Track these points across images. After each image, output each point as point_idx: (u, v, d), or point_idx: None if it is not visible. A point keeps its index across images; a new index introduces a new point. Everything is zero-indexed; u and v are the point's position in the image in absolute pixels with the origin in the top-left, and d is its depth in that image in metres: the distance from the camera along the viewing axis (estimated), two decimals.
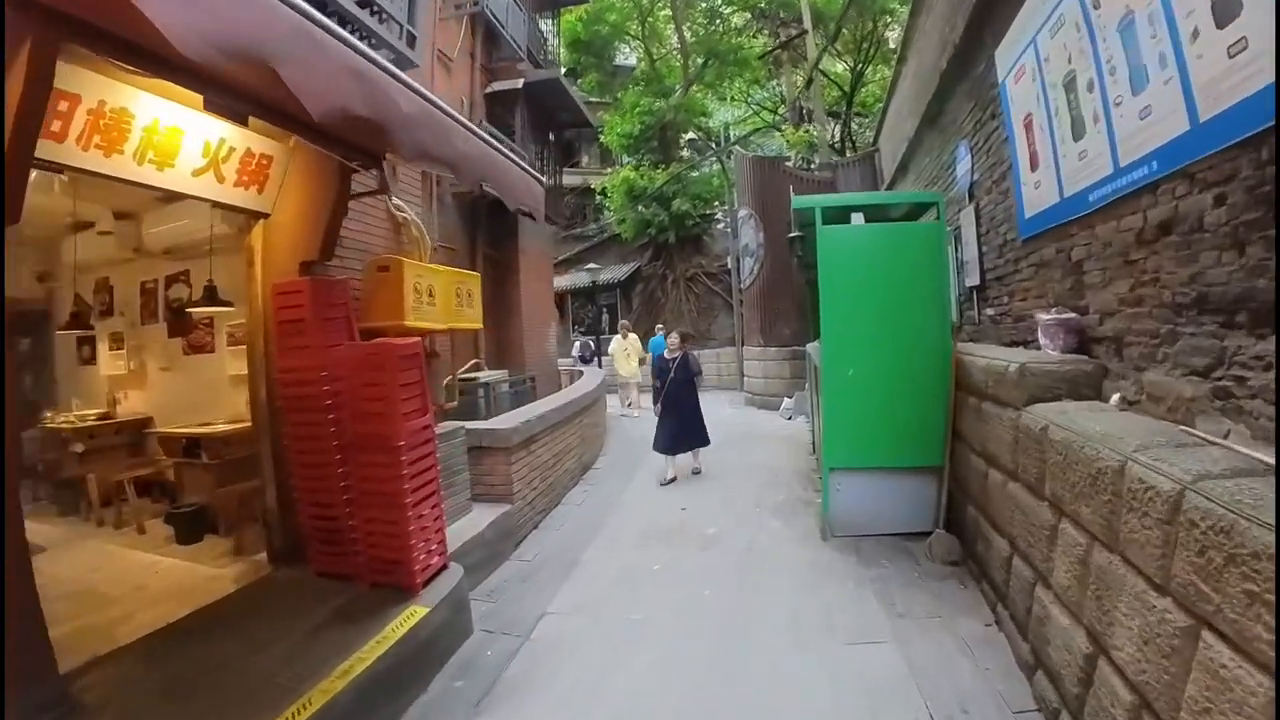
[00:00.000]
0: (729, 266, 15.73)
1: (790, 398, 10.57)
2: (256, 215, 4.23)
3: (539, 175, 3.88)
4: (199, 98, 2.81)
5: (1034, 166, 3.80)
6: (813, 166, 12.83)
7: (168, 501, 5.44)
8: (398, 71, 2.35)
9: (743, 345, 15.34)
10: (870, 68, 19.91)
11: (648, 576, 4.26)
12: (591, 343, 16.33)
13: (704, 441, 6.97)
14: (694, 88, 19.78)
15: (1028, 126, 3.86)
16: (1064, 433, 2.45)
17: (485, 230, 10.28)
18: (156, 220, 5.65)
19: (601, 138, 20.21)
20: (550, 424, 5.60)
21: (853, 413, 4.40)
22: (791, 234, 5.45)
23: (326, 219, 4.09)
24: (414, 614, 3.38)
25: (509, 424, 4.89)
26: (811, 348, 8.54)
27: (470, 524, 4.58)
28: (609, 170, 18.91)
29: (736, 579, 4.12)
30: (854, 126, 20.07)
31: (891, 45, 18.11)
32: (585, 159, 28.17)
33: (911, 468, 4.39)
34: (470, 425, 4.92)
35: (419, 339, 3.62)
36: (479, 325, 5.04)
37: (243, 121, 3.46)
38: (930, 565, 4.10)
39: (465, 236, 9.82)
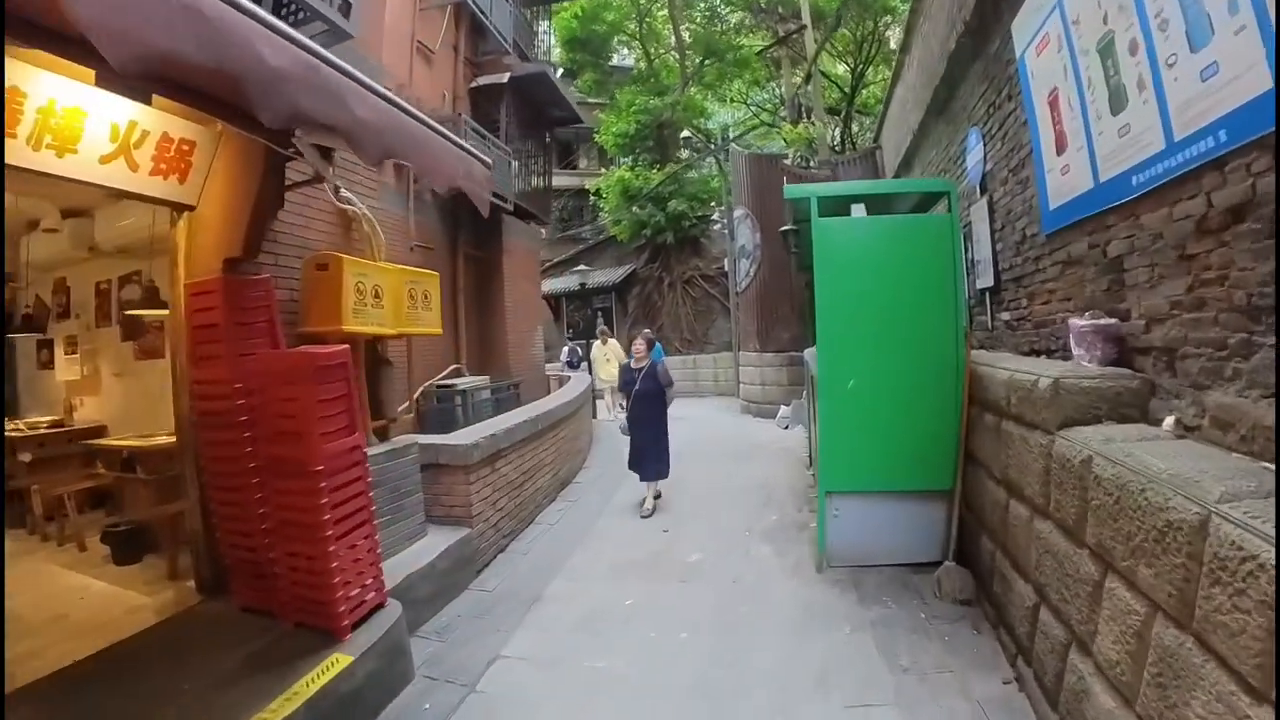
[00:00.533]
0: (726, 269, 15.22)
1: (787, 406, 10.06)
2: (180, 208, 3.76)
3: (483, 156, 3.38)
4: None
5: (1060, 149, 3.30)
6: (812, 165, 12.35)
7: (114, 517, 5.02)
8: (271, 18, 1.86)
9: (739, 351, 14.85)
10: (871, 69, 19.46)
11: (618, 614, 3.76)
12: (579, 348, 15.84)
13: (661, 472, 5.95)
14: (693, 88, 19.35)
15: (1053, 104, 3.36)
16: (1115, 468, 1.94)
17: (468, 229, 9.80)
18: (109, 217, 5.23)
19: (597, 137, 19.77)
20: (519, 438, 5.10)
21: (853, 430, 3.89)
22: (785, 227, 4.90)
23: (251, 210, 3.61)
24: (335, 663, 2.89)
25: (468, 439, 4.38)
26: (809, 354, 8.05)
27: (422, 551, 4.09)
28: (605, 172, 18.44)
29: (718, 620, 3.62)
30: (855, 128, 19.60)
31: (893, 45, 17.69)
32: (585, 162, 27.80)
33: (918, 491, 3.89)
34: (426, 440, 4.42)
35: (345, 346, 3.13)
36: (437, 330, 4.56)
37: (146, 99, 3.00)
38: (939, 604, 3.59)
39: (445, 235, 9.34)
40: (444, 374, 8.89)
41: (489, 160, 3.48)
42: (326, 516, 2.98)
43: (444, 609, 4.02)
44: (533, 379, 11.38)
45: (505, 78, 10.25)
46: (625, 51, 23.27)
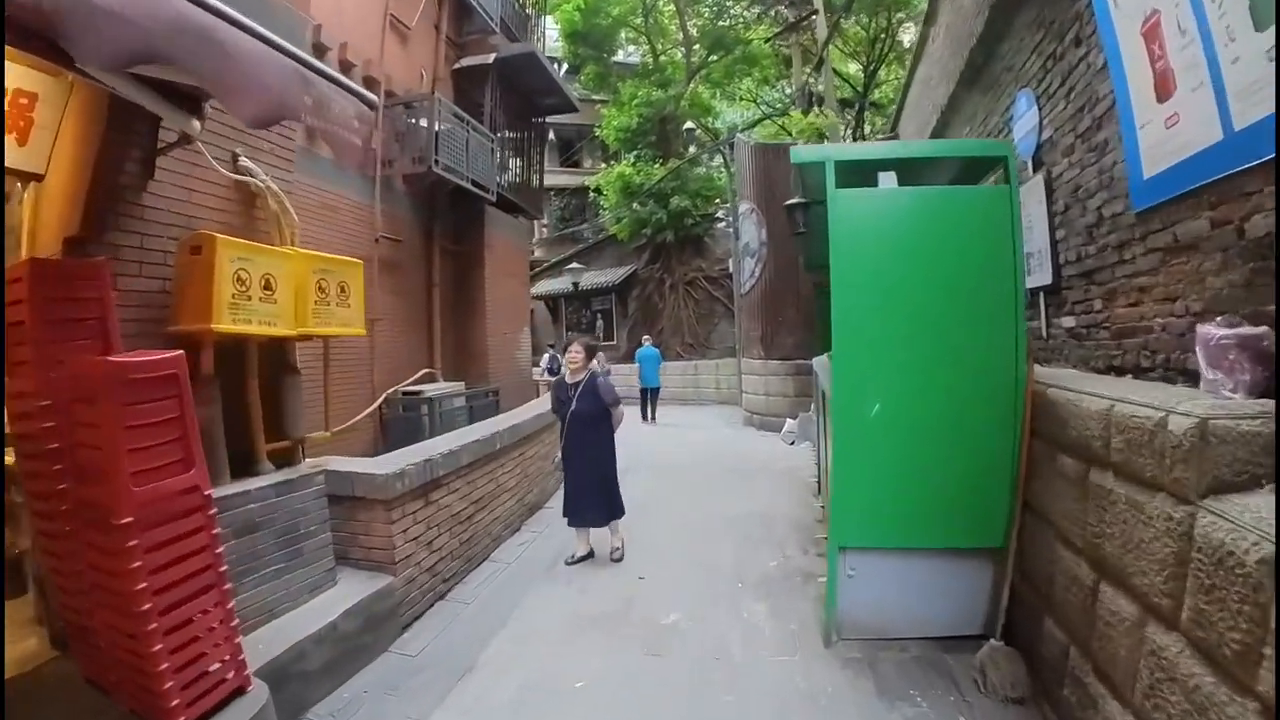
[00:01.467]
0: (730, 270, 14.36)
1: (793, 419, 9.16)
2: (24, 177, 2.97)
3: (364, 92, 2.53)
4: None
5: (1163, 94, 2.42)
6: None
7: None
8: None
9: (742, 357, 13.97)
10: (884, 69, 18.57)
11: (561, 701, 2.89)
12: (560, 355, 14.96)
13: (615, 511, 4.67)
14: (700, 86, 18.49)
15: (1150, 34, 2.49)
16: None
17: (445, 221, 8.99)
18: None
19: (598, 131, 18.99)
20: (465, 462, 4.23)
21: (875, 469, 3.01)
22: (792, 200, 3.95)
23: (91, 177, 2.81)
24: None
25: (389, 467, 3.53)
26: (819, 363, 7.17)
27: (326, 606, 3.25)
28: (604, 168, 17.63)
29: (690, 716, 2.74)
30: (868, 129, 18.70)
31: (906, 44, 16.80)
32: (589, 161, 27.03)
33: (957, 549, 3.00)
34: (339, 467, 3.58)
35: (177, 353, 2.29)
36: (357, 330, 3.72)
37: None
38: (983, 701, 2.70)
39: (418, 227, 8.53)
40: (413, 379, 8.08)
41: (374, 99, 2.64)
42: (142, 585, 2.14)
43: (350, 680, 3.18)
44: (516, 385, 10.54)
45: (490, 59, 9.45)
46: (631, 49, 22.48)
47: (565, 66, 28.95)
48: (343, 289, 3.57)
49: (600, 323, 19.19)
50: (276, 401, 3.51)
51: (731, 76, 19.04)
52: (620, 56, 22.05)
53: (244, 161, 3.54)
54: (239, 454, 3.30)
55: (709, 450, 8.67)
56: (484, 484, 4.58)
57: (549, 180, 28.64)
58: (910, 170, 3.27)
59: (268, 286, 3.14)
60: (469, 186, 8.30)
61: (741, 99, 21.18)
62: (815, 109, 12.39)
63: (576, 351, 4.34)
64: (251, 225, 3.61)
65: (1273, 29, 1.85)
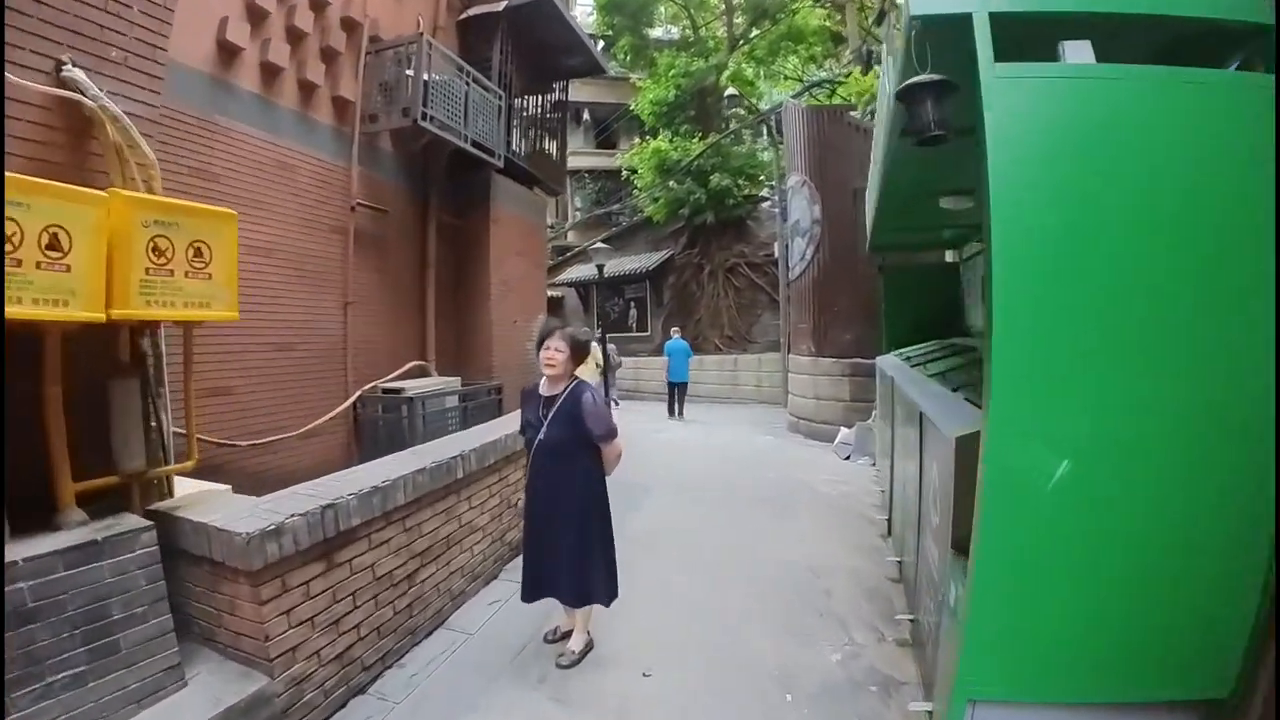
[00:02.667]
0: (776, 255, 12.90)
1: (849, 429, 7.75)
2: None
3: None
4: None
5: None
6: None
7: None
8: None
9: (788, 353, 12.52)
10: None
11: None
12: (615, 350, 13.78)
13: (596, 590, 3.01)
14: (743, 62, 16.81)
15: None
16: None
17: (443, 190, 7.83)
18: None
19: (632, 106, 17.66)
20: (402, 501, 3.02)
21: (1048, 574, 1.66)
22: (920, 79, 2.22)
23: None
24: None
25: (258, 521, 2.35)
26: (889, 366, 5.77)
27: None
28: (639, 143, 16.27)
29: None
30: None
31: None
32: (625, 143, 25.72)
33: (1155, 703, 1.65)
34: (194, 514, 2.43)
35: None
36: (229, 314, 2.55)
37: None
38: None
39: (410, 195, 7.40)
40: (399, 373, 6.99)
41: None
42: None
43: None
44: (528, 379, 9.40)
45: (500, 6, 8.22)
46: (670, 28, 20.92)
47: (601, 44, 27.84)
48: (198, 252, 2.39)
49: (633, 311, 17.94)
50: (95, 418, 2.37)
51: (776, 54, 17.38)
52: (658, 33, 20.59)
53: (71, 72, 2.39)
54: (26, 500, 2.17)
55: (746, 463, 7.33)
56: (437, 527, 3.38)
57: (581, 162, 27.66)
58: (1130, 27, 1.85)
59: (54, 246, 1.98)
60: (468, 148, 7.11)
61: (787, 79, 19.43)
62: (876, 69, 10.77)
63: (555, 349, 2.75)
64: (80, 164, 2.47)
65: None
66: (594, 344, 12.48)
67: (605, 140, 25.76)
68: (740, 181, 14.63)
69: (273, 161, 5.66)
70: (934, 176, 3.77)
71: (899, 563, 3.83)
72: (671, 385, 11.79)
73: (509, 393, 8.42)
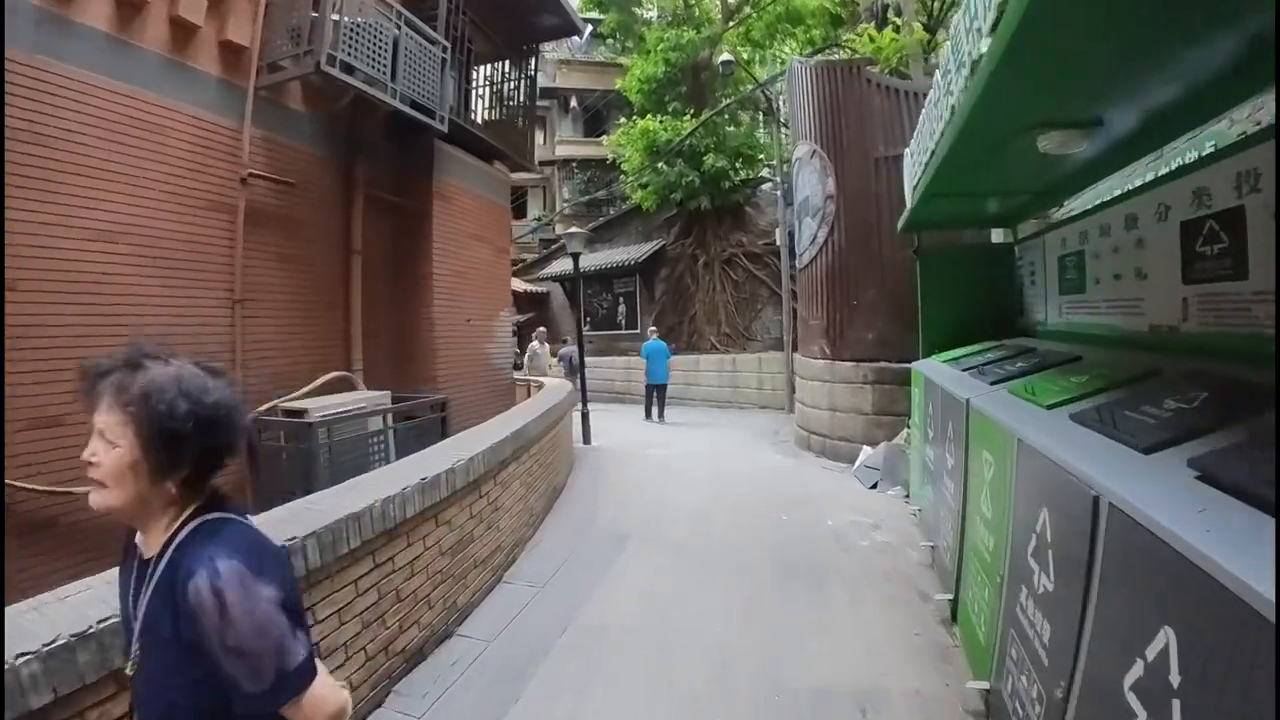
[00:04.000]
0: (778, 242, 11.51)
1: (874, 447, 6.38)
2: None
3: None
4: None
5: None
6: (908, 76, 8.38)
7: None
8: None
9: (794, 353, 11.15)
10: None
11: None
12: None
13: None
14: (737, 45, 15.21)
15: None
16: None
17: (375, 159, 6.40)
18: None
19: (618, 84, 16.24)
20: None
21: None
22: None
23: None
24: None
25: None
26: (936, 371, 4.43)
27: None
28: (626, 121, 14.81)
29: None
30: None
31: None
32: (616, 131, 24.31)
33: None
34: None
35: None
36: None
37: None
38: None
39: (329, 165, 5.96)
40: (309, 388, 5.61)
41: None
42: None
43: None
44: (488, 390, 8.01)
45: None
46: (661, 10, 19.44)
47: (590, 28, 26.36)
48: None
49: (622, 308, 16.55)
50: None
51: (773, 37, 15.89)
52: (649, 13, 19.10)
53: None
54: None
55: (749, 496, 5.96)
56: None
57: (570, 151, 26.24)
58: None
59: None
60: (400, 106, 5.70)
61: (784, 64, 17.92)
62: (891, 26, 9.38)
63: (99, 429, 0.96)
64: None
65: None
66: (535, 344, 11.14)
67: (598, 130, 24.38)
68: (737, 164, 13.24)
69: (129, 119, 4.28)
70: (1049, 103, 2.44)
71: (985, 692, 2.46)
72: (650, 388, 11.23)
73: (460, 408, 7.03)
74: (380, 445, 5.53)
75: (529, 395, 7.95)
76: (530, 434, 4.91)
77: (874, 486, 5.98)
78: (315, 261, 5.84)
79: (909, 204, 4.57)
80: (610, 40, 21.09)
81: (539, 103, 28.21)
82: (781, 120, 11.49)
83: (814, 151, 7.30)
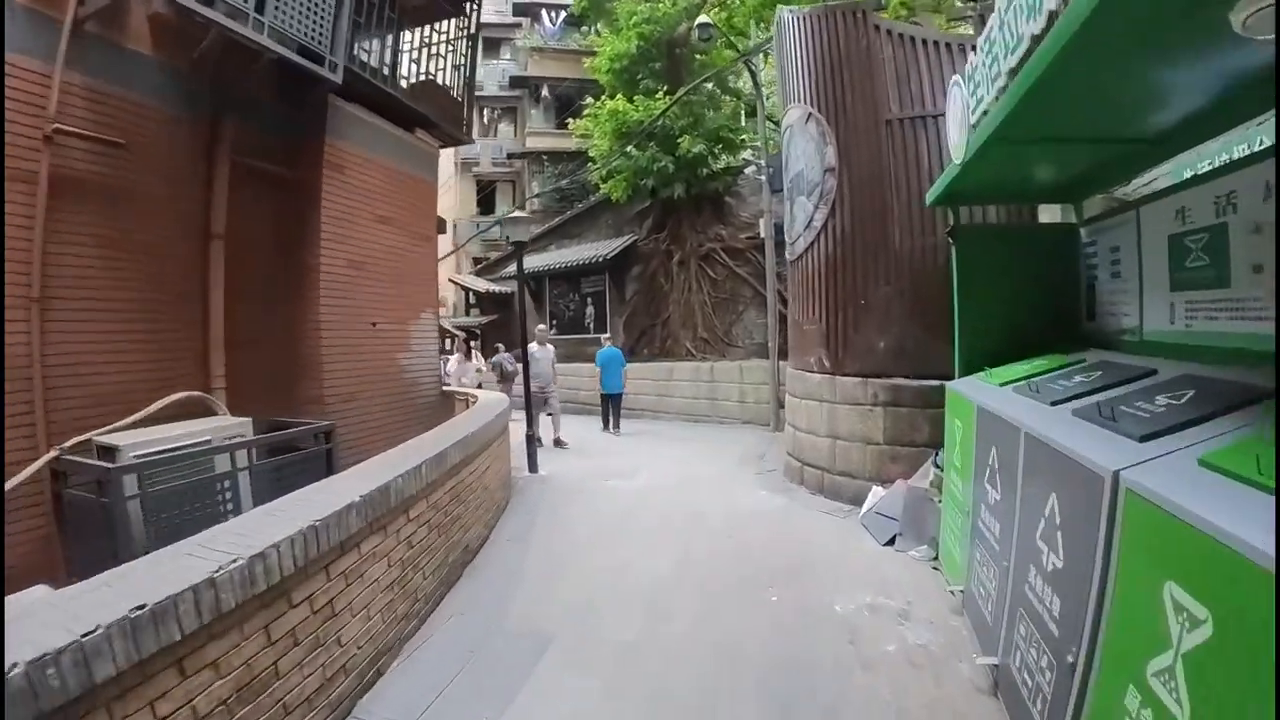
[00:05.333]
0: (762, 235, 10.10)
1: (885, 488, 4.97)
2: None
3: None
4: None
5: None
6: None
7: None
8: None
9: (780, 361, 9.75)
10: None
11: None
12: (512, 358, 10.95)
13: None
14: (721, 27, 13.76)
15: None
16: None
17: (253, 119, 4.86)
18: None
19: (586, 65, 14.78)
20: None
21: None
22: None
23: None
24: None
25: None
26: (985, 394, 3.07)
27: None
28: (595, 100, 13.29)
29: None
30: None
31: None
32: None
33: None
34: None
35: None
36: None
37: None
38: None
39: (186, 125, 4.29)
40: (140, 415, 4.02)
41: None
42: None
43: None
44: (400, 411, 6.48)
45: None
46: None
47: (563, 15, 24.87)
48: None
49: (590, 309, 15.05)
50: None
51: (760, 25, 14.41)
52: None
53: None
54: None
55: (726, 562, 4.50)
56: None
57: (540, 143, 24.68)
58: None
59: None
60: (273, 46, 4.17)
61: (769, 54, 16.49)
62: None
63: None
64: None
65: None
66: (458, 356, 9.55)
67: (567, 121, 22.92)
68: (717, 149, 11.83)
69: None
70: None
71: None
72: (605, 397, 10.68)
73: (361, 435, 5.50)
74: (228, 492, 3.98)
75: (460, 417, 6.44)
76: (408, 491, 3.40)
77: (890, 542, 4.56)
78: (158, 248, 4.29)
79: (959, 158, 3.17)
80: (584, 28, 19.61)
81: (508, 92, 26.74)
82: (764, 94, 10.09)
83: (809, 115, 5.88)
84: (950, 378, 4.72)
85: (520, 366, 9.27)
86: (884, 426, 5.14)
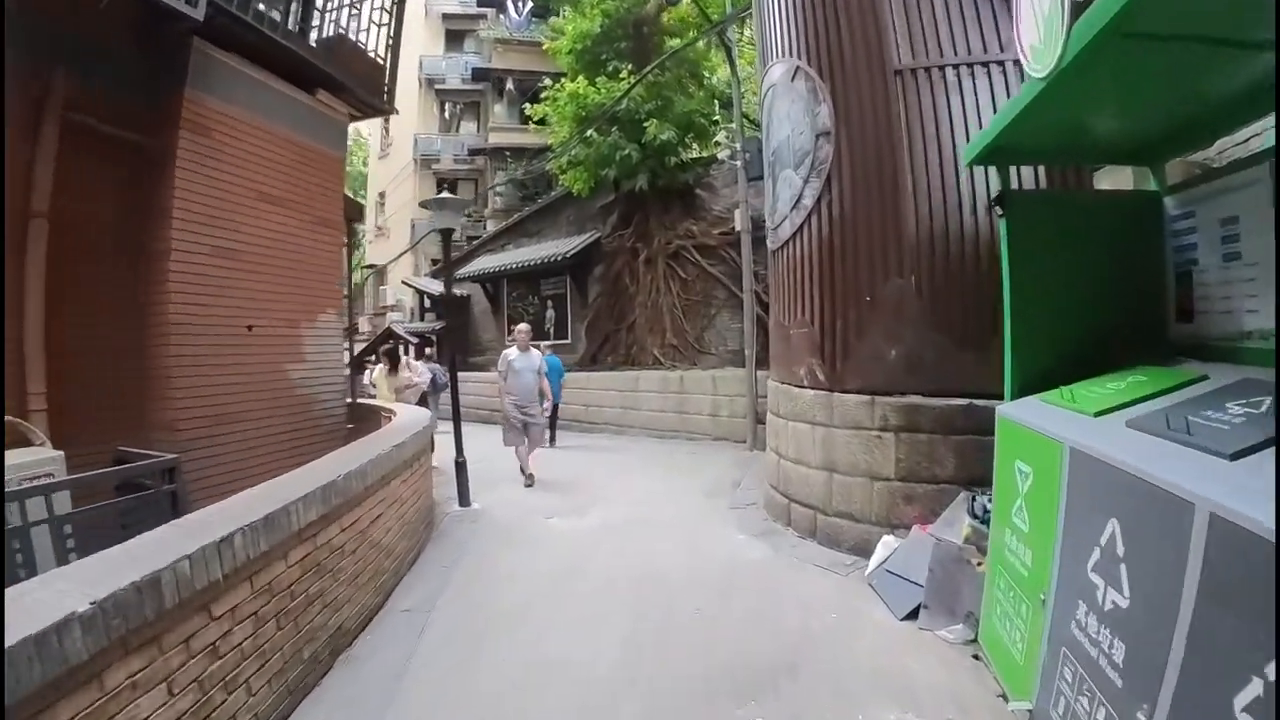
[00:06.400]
0: (738, 228, 9.01)
1: (897, 537, 3.85)
2: None
3: None
4: None
5: None
6: None
7: None
8: None
9: (758, 370, 8.65)
10: None
11: None
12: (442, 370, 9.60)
13: None
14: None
15: None
16: None
17: (95, 70, 3.60)
18: None
19: (546, 47, 13.59)
20: None
21: None
22: None
23: None
24: None
25: None
26: (1050, 418, 1.90)
27: None
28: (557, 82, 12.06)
29: None
30: None
31: None
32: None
33: None
34: None
35: None
36: None
37: None
38: None
39: None
40: None
41: None
42: None
43: None
44: (287, 437, 5.19)
45: None
46: None
47: (529, 6, 23.70)
48: None
49: (551, 313, 13.83)
50: None
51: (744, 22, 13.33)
52: None
53: None
54: None
55: (693, 644, 3.34)
56: None
57: (504, 139, 23.38)
58: None
59: None
60: None
61: (751, 44, 15.37)
62: None
63: None
64: None
65: None
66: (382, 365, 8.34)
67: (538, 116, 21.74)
68: (687, 137, 10.74)
69: None
70: None
71: None
72: None
73: (220, 471, 4.21)
74: (20, 554, 2.72)
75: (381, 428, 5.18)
76: (206, 577, 2.14)
77: (912, 615, 3.43)
78: None
79: (1043, 66, 2.07)
80: (552, 19, 18.39)
81: (471, 86, 25.37)
82: (739, 69, 9.02)
83: (796, 70, 4.77)
84: (984, 395, 3.61)
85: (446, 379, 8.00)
86: (896, 458, 4.02)
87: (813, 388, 4.50)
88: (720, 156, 8.90)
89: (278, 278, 5.10)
